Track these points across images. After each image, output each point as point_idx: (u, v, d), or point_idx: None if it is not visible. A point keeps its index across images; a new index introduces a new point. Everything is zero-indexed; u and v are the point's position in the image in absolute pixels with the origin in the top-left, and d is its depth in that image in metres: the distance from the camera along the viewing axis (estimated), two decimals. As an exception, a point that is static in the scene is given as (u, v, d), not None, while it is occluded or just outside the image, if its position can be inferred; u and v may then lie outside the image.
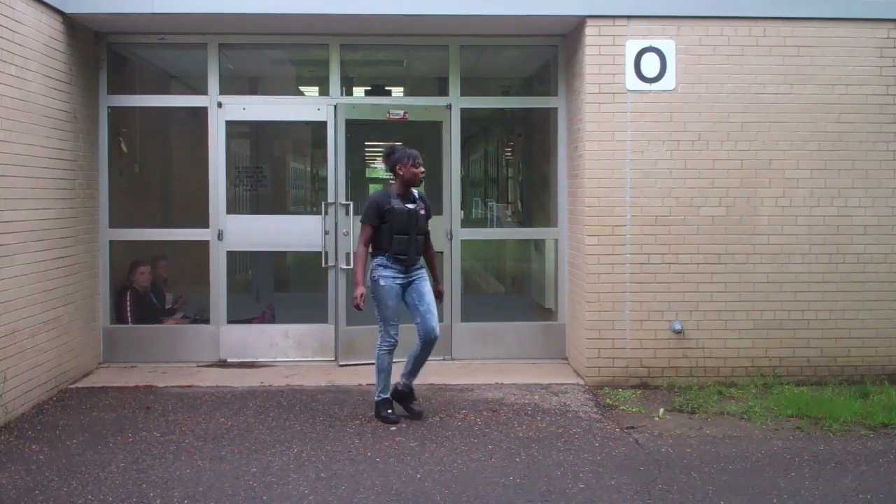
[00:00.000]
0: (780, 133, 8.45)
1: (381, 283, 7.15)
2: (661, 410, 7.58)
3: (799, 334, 8.45)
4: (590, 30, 8.45)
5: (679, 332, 8.38)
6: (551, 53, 9.60)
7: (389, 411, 7.24)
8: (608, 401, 7.91)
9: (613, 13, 8.43)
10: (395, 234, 7.14)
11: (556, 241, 9.58)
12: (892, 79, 8.49)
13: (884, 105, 8.49)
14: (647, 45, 8.44)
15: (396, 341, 7.22)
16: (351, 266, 9.24)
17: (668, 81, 8.44)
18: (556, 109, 9.51)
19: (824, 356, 8.47)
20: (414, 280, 7.27)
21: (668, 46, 8.43)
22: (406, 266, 7.21)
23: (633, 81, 8.45)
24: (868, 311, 8.48)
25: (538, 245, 10.26)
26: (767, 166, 8.45)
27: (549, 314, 9.80)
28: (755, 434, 6.93)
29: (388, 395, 7.32)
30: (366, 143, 11.47)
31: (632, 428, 7.08)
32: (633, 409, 7.63)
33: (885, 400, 7.66)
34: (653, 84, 8.45)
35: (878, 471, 6.07)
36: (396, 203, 7.18)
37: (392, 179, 7.35)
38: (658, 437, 6.86)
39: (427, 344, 7.23)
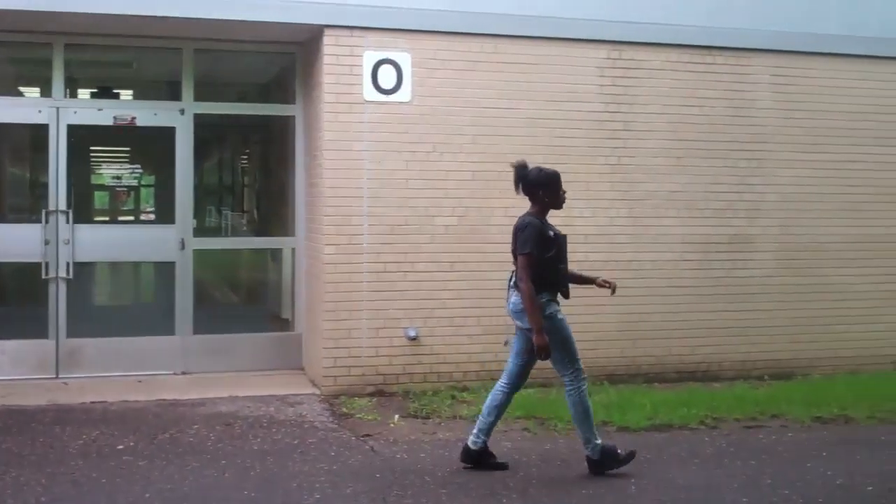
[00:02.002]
0: (508, 146, 8.76)
1: (559, 315, 6.12)
2: (397, 417, 7.66)
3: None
4: (328, 39, 8.45)
5: (414, 338, 8.51)
6: (289, 61, 9.52)
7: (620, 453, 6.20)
8: (344, 410, 7.90)
9: (351, 24, 8.48)
10: (560, 265, 6.21)
11: (294, 250, 9.50)
12: (610, 97, 9.04)
13: (602, 122, 9.02)
14: (384, 57, 8.54)
15: None
16: (70, 276, 8.78)
17: (404, 93, 8.58)
18: (294, 117, 9.45)
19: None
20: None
21: (404, 59, 8.57)
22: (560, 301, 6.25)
23: (370, 92, 8.52)
24: (590, 315, 8.91)
25: (275, 254, 10.13)
26: (497, 178, 8.72)
27: (285, 324, 9.69)
28: (486, 436, 7.13)
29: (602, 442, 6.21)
30: (91, 149, 10.90)
31: (368, 436, 7.10)
32: (370, 417, 7.67)
33: (604, 399, 8.11)
34: (389, 95, 8.56)
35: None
36: (554, 229, 6.25)
37: (534, 206, 6.31)
38: (393, 443, 6.92)
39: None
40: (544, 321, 6.00)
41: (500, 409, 6.34)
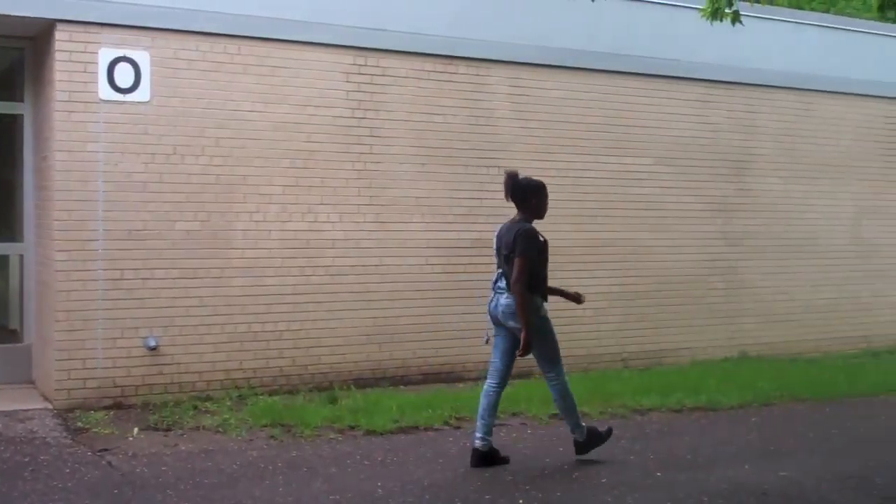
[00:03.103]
0: (254, 150, 8.65)
1: (547, 316, 6.58)
2: (136, 430, 7.36)
3: (272, 345, 8.70)
4: (60, 34, 8.03)
5: (154, 348, 8.21)
6: (18, 56, 8.95)
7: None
8: (80, 424, 7.51)
9: (86, 19, 8.10)
10: (546, 269, 6.58)
11: (22, 256, 8.93)
12: (356, 102, 9.10)
13: (350, 127, 9.06)
14: (122, 55, 8.21)
15: None
16: None
17: (142, 93, 8.28)
18: (22, 116, 8.90)
19: (296, 365, 8.80)
20: None
21: (142, 57, 8.27)
22: None
23: (106, 91, 8.17)
24: (337, 321, 8.96)
25: (1, 261, 9.48)
26: (242, 182, 8.61)
27: (13, 336, 9.10)
28: (230, 446, 6.99)
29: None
30: None
31: (105, 450, 6.78)
32: (107, 431, 7.33)
33: (351, 404, 8.14)
34: (127, 95, 8.23)
35: (346, 471, 6.40)
36: (542, 235, 6.55)
37: (521, 213, 6.65)
38: (133, 457, 6.64)
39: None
40: (538, 321, 6.43)
41: (495, 408, 6.66)
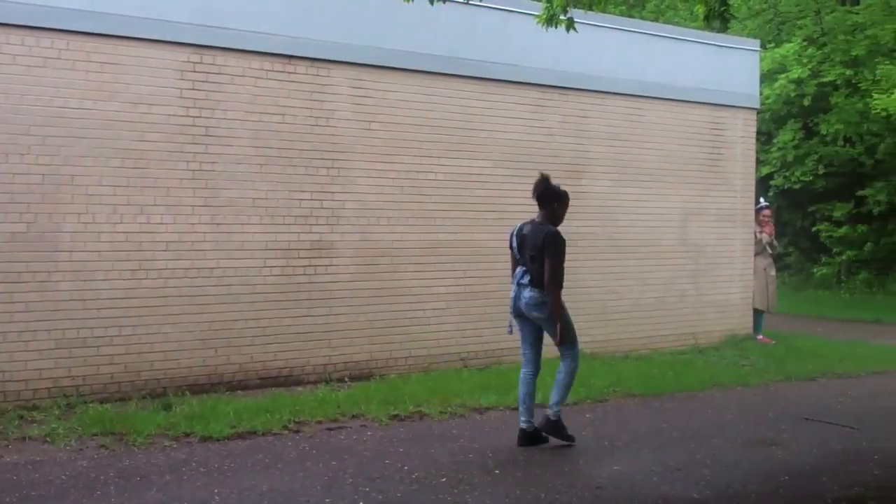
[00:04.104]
0: (82, 149, 8.33)
1: (566, 306, 7.24)
2: (-45, 443, 6.98)
3: (102, 351, 8.40)
4: None
5: (-25, 356, 7.81)
6: None
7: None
8: None
9: None
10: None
11: None
12: (191, 101, 8.87)
13: (184, 126, 8.83)
14: (-63, 48, 7.78)
15: None
16: None
17: (-38, 87, 7.87)
18: None
19: (128, 371, 8.52)
20: None
21: (-39, 50, 7.86)
22: None
23: (-79, 85, 7.72)
24: (171, 325, 8.73)
25: None
26: (70, 182, 8.28)
27: None
28: (59, 456, 6.72)
29: None
30: None
31: (-81, 465, 6.40)
32: (-77, 445, 6.93)
33: (186, 410, 7.94)
34: (-55, 89, 7.81)
35: (182, 479, 6.24)
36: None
37: (542, 215, 7.34)
38: (-49, 471, 6.30)
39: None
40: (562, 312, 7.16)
41: (534, 393, 7.37)
